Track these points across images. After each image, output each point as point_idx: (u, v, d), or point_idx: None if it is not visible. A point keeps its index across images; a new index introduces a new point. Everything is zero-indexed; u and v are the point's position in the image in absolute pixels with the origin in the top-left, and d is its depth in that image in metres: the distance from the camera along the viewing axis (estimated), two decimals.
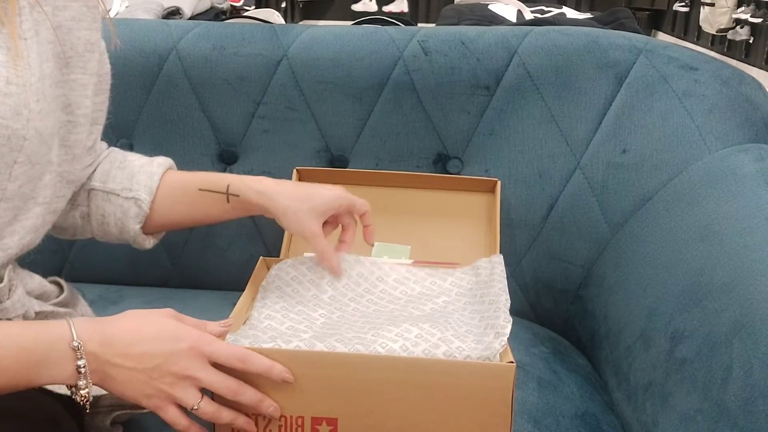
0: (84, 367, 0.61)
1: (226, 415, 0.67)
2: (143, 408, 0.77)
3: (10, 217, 0.67)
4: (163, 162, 0.86)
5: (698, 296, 0.77)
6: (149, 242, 0.86)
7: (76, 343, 0.61)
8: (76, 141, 0.74)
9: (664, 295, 0.84)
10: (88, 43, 0.74)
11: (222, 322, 0.71)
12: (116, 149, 0.88)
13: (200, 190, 0.83)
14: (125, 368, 0.63)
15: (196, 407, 0.65)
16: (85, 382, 0.62)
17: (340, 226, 0.87)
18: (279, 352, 0.68)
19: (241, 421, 0.68)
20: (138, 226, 0.82)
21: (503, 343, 0.70)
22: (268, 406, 0.67)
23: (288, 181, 0.85)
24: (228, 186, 0.82)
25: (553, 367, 0.93)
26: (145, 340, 0.64)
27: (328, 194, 0.82)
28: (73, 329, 0.62)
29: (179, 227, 0.87)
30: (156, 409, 0.65)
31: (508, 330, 0.71)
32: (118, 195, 0.82)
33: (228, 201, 0.82)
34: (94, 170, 0.84)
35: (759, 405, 0.63)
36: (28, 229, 0.69)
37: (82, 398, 0.62)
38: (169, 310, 0.68)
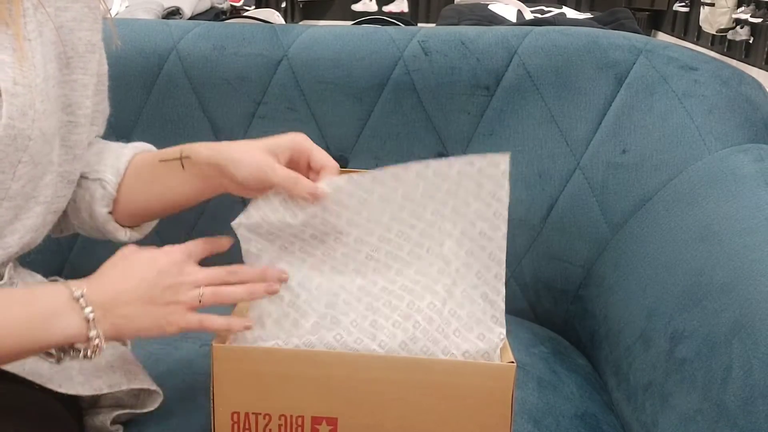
0: (92, 312, 0.61)
1: (232, 291, 0.68)
2: (144, 408, 0.77)
3: (11, 216, 0.67)
4: (138, 145, 0.82)
5: (698, 296, 0.77)
6: (124, 234, 0.80)
7: (78, 293, 0.61)
8: (76, 141, 0.74)
9: (664, 295, 0.84)
10: (89, 44, 0.74)
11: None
12: (101, 140, 0.84)
13: (160, 161, 0.78)
14: (128, 303, 0.64)
15: (200, 298, 0.66)
16: (96, 332, 0.61)
17: None
18: (279, 351, 0.68)
19: (245, 290, 0.69)
20: (105, 210, 0.77)
21: (502, 336, 0.70)
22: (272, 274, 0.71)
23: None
24: (182, 151, 0.75)
25: (553, 367, 0.93)
26: (132, 273, 0.65)
27: (282, 136, 0.73)
28: (69, 285, 0.62)
29: (152, 212, 0.81)
30: (179, 324, 0.65)
31: (503, 318, 0.71)
32: (87, 177, 0.78)
33: (183, 167, 0.75)
34: None
35: (759, 405, 0.63)
36: (28, 228, 0.69)
37: (94, 350, 0.62)
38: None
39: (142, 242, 0.87)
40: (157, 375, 0.79)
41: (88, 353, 0.62)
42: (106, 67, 0.79)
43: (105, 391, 0.72)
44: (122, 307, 0.63)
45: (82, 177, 0.79)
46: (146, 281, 0.65)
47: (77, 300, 0.61)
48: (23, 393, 0.67)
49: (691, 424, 0.70)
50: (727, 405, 0.66)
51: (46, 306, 0.61)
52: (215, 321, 0.67)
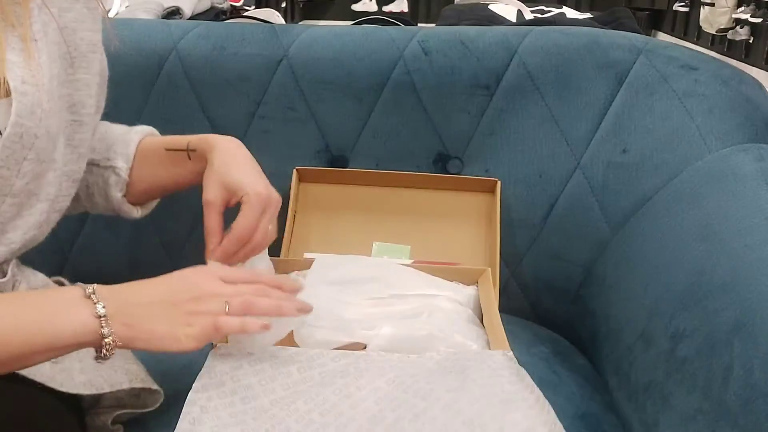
0: (104, 308, 0.60)
1: (260, 303, 0.67)
2: (145, 407, 0.77)
3: (14, 213, 0.68)
4: (141, 129, 0.87)
5: (698, 296, 0.77)
6: (136, 212, 0.87)
7: (89, 290, 0.61)
8: (81, 140, 0.75)
9: (665, 294, 0.84)
10: (91, 43, 0.75)
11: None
12: (100, 122, 0.88)
13: (166, 150, 0.84)
14: (144, 304, 0.63)
15: (227, 309, 0.64)
16: (108, 329, 0.60)
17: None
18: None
19: (274, 305, 0.68)
20: (120, 194, 0.84)
21: None
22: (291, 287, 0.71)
23: (245, 152, 0.81)
24: (188, 143, 0.83)
25: (553, 367, 0.93)
26: (153, 282, 0.65)
27: (242, 180, 0.77)
28: (80, 285, 0.62)
29: (160, 191, 0.88)
30: (199, 334, 0.63)
31: None
32: (98, 165, 0.84)
33: (189, 158, 0.83)
34: None
35: (759, 405, 0.63)
36: (31, 224, 0.69)
37: (108, 348, 0.60)
38: None
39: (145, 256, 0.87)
40: (157, 375, 0.79)
41: (103, 352, 0.61)
42: (105, 64, 0.81)
43: (107, 390, 0.72)
44: (137, 307, 0.62)
45: (93, 164, 0.84)
46: (169, 285, 0.65)
47: (89, 296, 0.61)
48: (25, 392, 0.67)
49: (691, 423, 0.70)
50: (727, 404, 0.66)
51: (57, 301, 0.61)
52: (251, 325, 0.66)
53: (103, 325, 0.60)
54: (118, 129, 0.87)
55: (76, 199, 0.85)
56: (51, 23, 0.69)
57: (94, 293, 0.61)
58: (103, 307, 0.60)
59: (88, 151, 0.77)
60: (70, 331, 0.59)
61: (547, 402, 0.66)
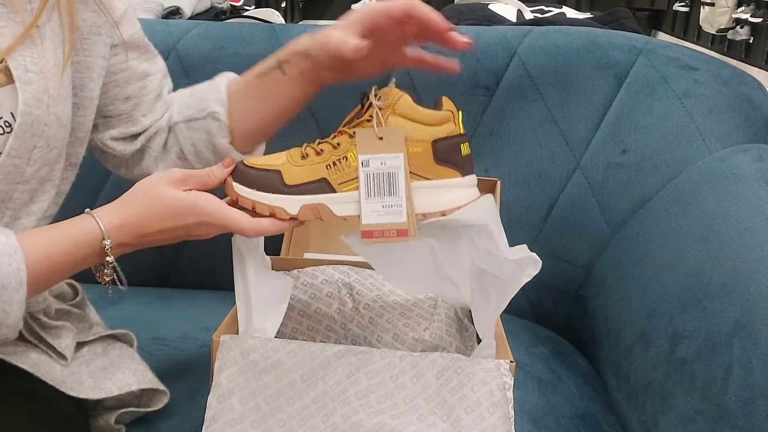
0: (110, 258, 0.66)
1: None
2: (147, 407, 0.77)
3: (27, 199, 0.68)
4: (225, 74, 0.85)
5: (698, 296, 0.77)
6: None
7: (106, 243, 0.65)
8: (79, 123, 0.74)
9: (664, 295, 0.84)
10: (94, 25, 0.74)
11: (224, 162, 0.71)
12: (180, 90, 0.88)
13: (257, 77, 0.81)
14: (150, 241, 0.68)
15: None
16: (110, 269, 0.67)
17: None
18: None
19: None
20: (226, 141, 0.81)
21: None
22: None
23: None
24: (277, 57, 0.80)
25: (553, 367, 0.93)
26: (155, 221, 0.66)
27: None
28: (101, 225, 0.65)
29: (263, 130, 0.85)
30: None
31: None
32: (196, 118, 0.82)
33: (284, 73, 0.80)
34: (169, 110, 0.85)
35: (759, 405, 0.63)
36: (44, 210, 0.70)
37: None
38: (173, 174, 0.68)
39: None
40: (157, 375, 0.79)
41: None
42: (138, 27, 0.80)
43: (115, 393, 0.73)
44: (142, 244, 0.68)
45: (191, 120, 0.82)
46: (169, 232, 0.67)
47: (103, 249, 0.65)
48: (37, 392, 0.68)
49: (691, 424, 0.70)
50: (727, 405, 0.66)
51: (84, 255, 0.65)
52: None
53: (107, 266, 0.67)
54: (201, 84, 0.85)
55: (183, 165, 0.83)
56: (54, 7, 0.68)
57: (108, 247, 0.65)
58: (111, 259, 0.66)
59: (87, 135, 0.76)
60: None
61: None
